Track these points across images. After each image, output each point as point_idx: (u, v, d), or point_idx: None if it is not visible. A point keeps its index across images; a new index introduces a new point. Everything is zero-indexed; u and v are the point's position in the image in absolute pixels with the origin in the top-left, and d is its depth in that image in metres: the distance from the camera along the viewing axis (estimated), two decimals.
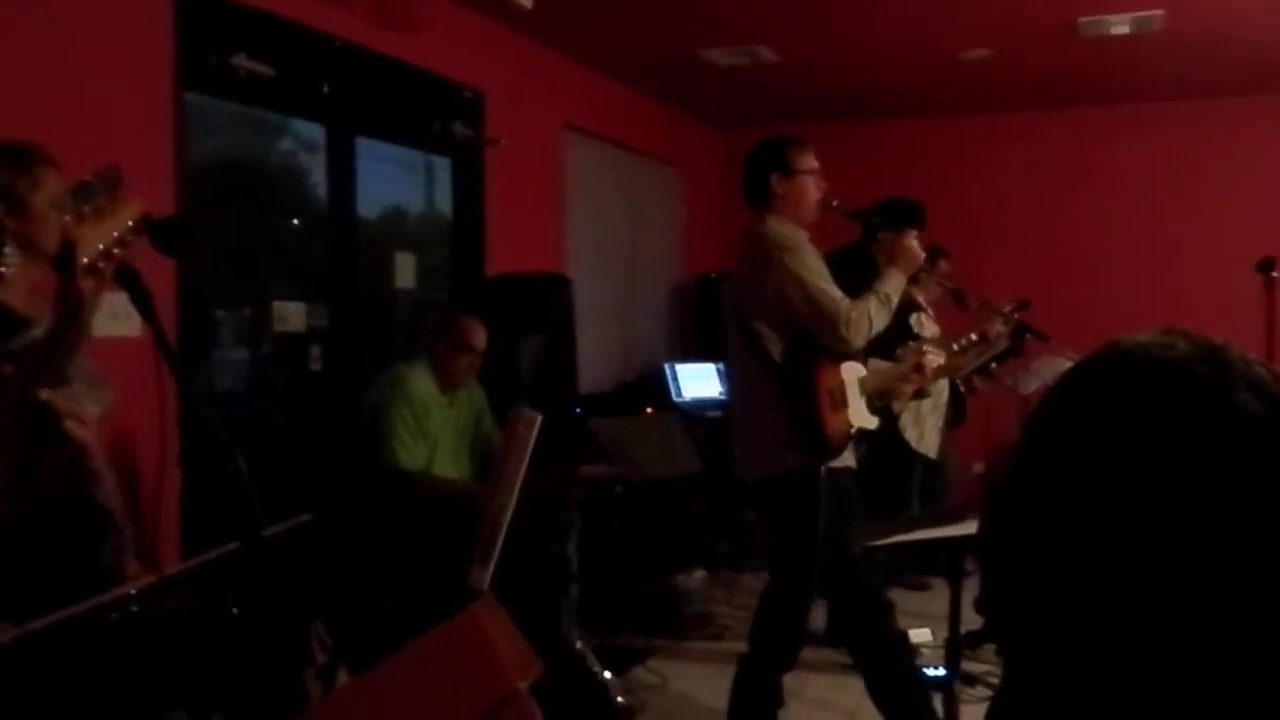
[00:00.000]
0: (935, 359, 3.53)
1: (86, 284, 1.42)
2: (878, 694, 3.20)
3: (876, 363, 3.43)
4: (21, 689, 1.46)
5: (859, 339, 3.00)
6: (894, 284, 3.11)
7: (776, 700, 3.22)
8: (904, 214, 4.41)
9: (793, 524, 3.07)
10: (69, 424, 1.32)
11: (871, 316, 3.02)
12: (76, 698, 1.55)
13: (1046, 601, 0.70)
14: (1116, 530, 0.67)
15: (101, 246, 1.42)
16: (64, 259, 1.42)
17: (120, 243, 1.46)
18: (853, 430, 3.12)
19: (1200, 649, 0.65)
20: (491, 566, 1.99)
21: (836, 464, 3.09)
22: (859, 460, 4.14)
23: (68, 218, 1.64)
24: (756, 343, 3.05)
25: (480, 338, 3.80)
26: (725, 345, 3.29)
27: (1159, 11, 4.89)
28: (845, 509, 3.09)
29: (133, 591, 1.56)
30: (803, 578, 3.06)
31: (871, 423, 3.24)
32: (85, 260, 1.41)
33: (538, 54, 5.50)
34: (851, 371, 3.15)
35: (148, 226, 1.49)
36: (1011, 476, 0.74)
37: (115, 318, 2.88)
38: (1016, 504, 0.73)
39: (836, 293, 3.00)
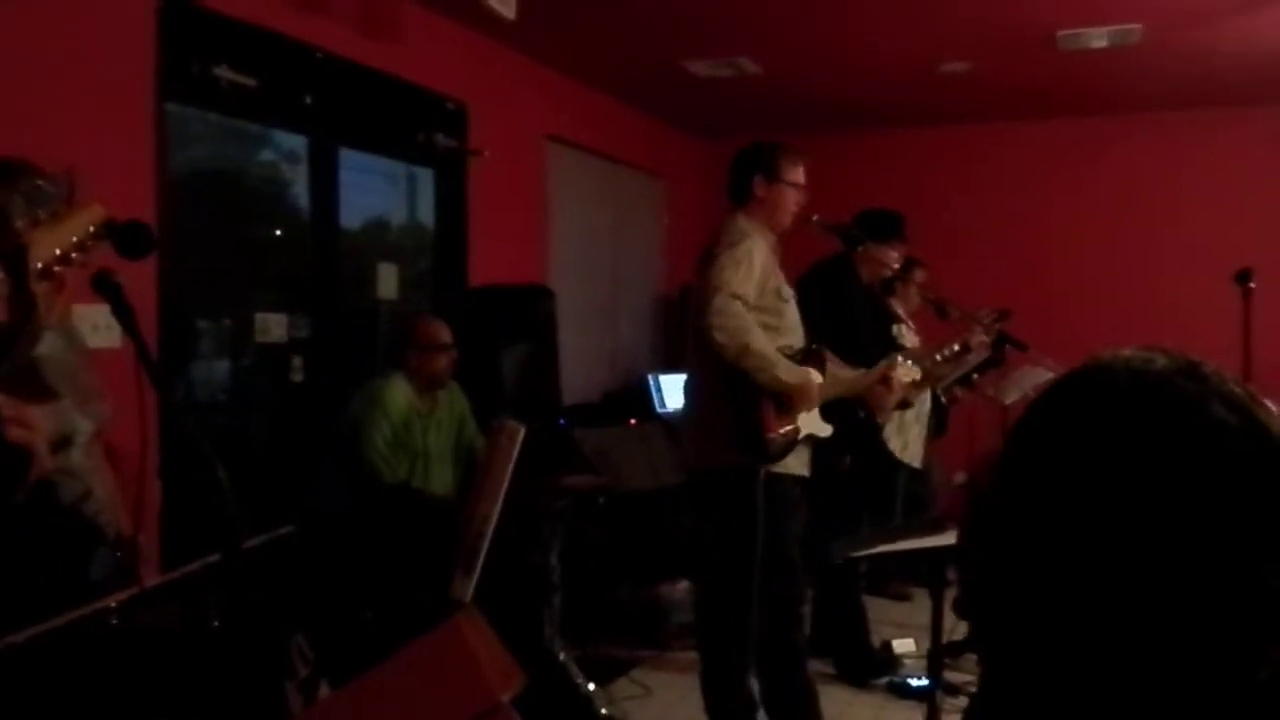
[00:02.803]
0: (905, 374, 3.50)
1: (40, 288, 1.40)
2: (772, 703, 3.19)
3: (837, 370, 3.42)
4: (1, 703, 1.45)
5: (721, 336, 2.92)
6: (787, 381, 2.99)
7: (753, 704, 3.21)
8: (882, 225, 4.44)
9: (727, 523, 3.05)
10: (11, 429, 1.31)
11: (753, 352, 2.93)
12: (56, 712, 1.54)
13: (1024, 606, 0.72)
14: (1094, 537, 0.69)
15: (58, 251, 1.41)
16: (14, 262, 1.40)
17: (79, 247, 1.44)
18: (800, 435, 3.09)
19: (1173, 652, 0.67)
20: (474, 577, 1.99)
21: (779, 468, 3.06)
22: (845, 471, 4.16)
23: (20, 222, 1.62)
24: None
25: (444, 332, 3.80)
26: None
27: (1137, 25, 4.94)
28: (783, 514, 3.06)
29: (112, 604, 1.55)
30: (739, 577, 3.02)
31: (824, 430, 3.20)
32: (39, 264, 1.39)
33: (520, 65, 5.51)
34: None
35: (109, 231, 1.47)
36: (993, 484, 0.76)
37: (96, 329, 2.87)
38: (998, 510, 0.75)
39: (734, 305, 2.93)
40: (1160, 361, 0.73)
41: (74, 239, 1.43)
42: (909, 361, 3.54)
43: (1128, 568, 0.67)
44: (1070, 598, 0.69)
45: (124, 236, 1.47)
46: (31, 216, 1.44)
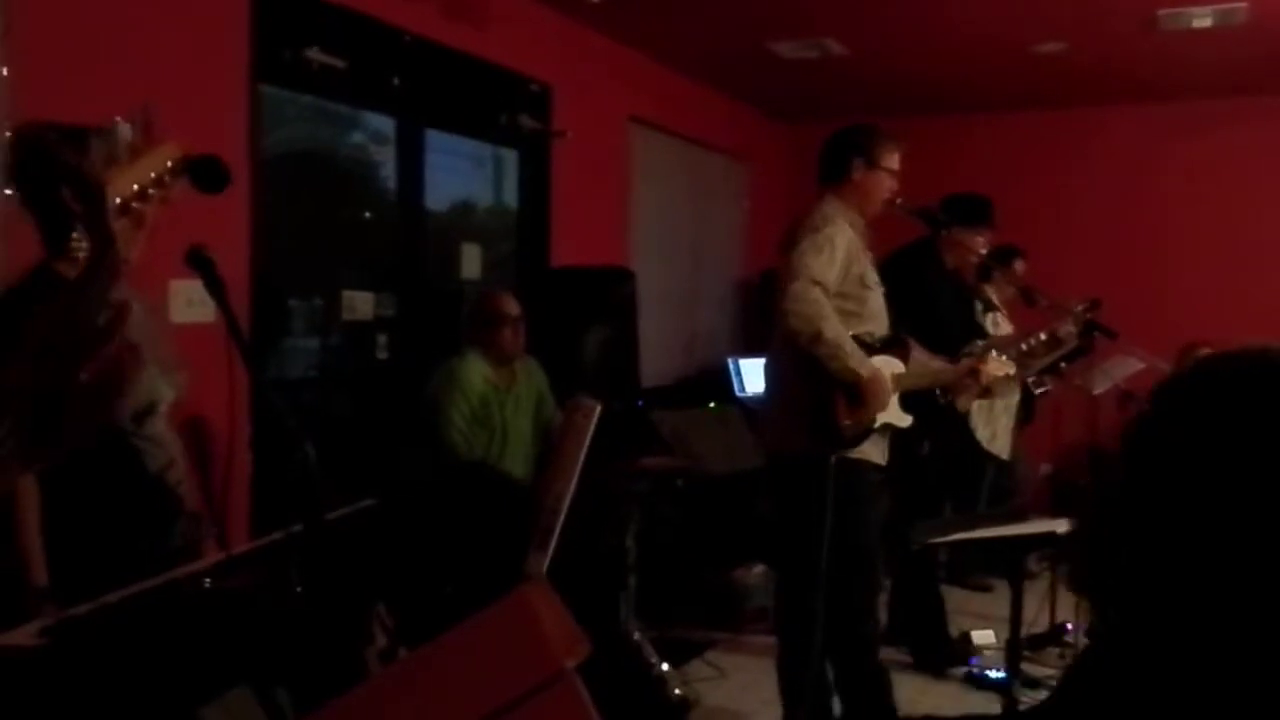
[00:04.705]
0: (997, 368, 3.42)
1: (119, 224, 1.43)
2: (844, 689, 3.17)
3: (924, 358, 3.36)
4: (93, 661, 1.51)
5: (795, 322, 2.89)
6: (857, 371, 2.93)
7: (826, 689, 3.20)
8: (969, 210, 4.34)
9: (797, 509, 3.04)
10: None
11: (825, 340, 2.88)
12: (145, 673, 1.60)
13: (1161, 577, 0.75)
14: (1229, 512, 0.71)
15: (135, 187, 1.44)
16: (93, 199, 1.43)
17: (157, 183, 1.47)
18: (877, 425, 3.04)
19: None
20: (549, 553, 2.01)
21: (854, 454, 3.03)
22: (924, 457, 4.09)
23: (98, 160, 1.65)
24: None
25: (511, 304, 3.83)
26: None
27: (1242, 4, 4.75)
28: (855, 501, 3.02)
29: (204, 568, 1.61)
30: (809, 562, 2.99)
31: (903, 420, 3.15)
32: (117, 200, 1.42)
33: (605, 46, 5.52)
34: (886, 366, 3.07)
35: (185, 166, 1.50)
36: (1132, 458, 0.75)
37: (190, 304, 2.97)
38: (1136, 485, 0.75)
39: (812, 292, 2.90)
40: None
41: (151, 175, 1.46)
42: (1002, 356, 3.46)
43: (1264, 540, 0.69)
44: (1211, 575, 0.72)
45: (200, 171, 1.50)
46: (109, 155, 1.48)
